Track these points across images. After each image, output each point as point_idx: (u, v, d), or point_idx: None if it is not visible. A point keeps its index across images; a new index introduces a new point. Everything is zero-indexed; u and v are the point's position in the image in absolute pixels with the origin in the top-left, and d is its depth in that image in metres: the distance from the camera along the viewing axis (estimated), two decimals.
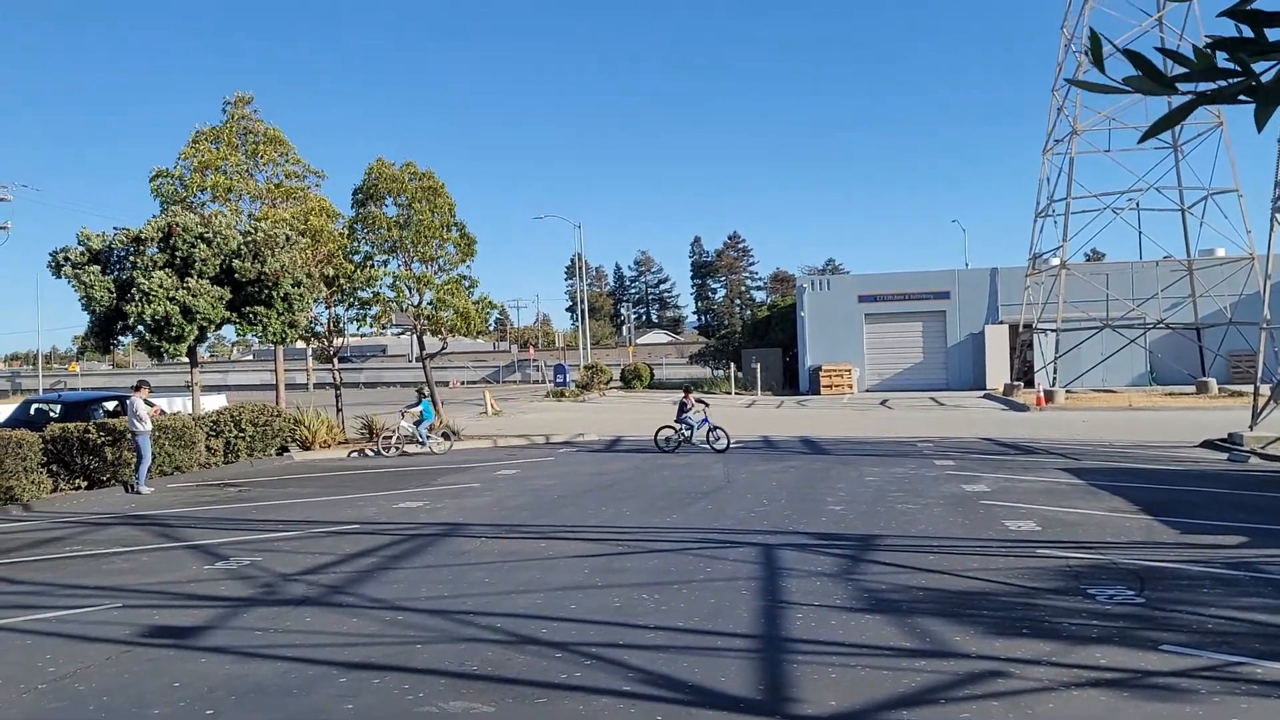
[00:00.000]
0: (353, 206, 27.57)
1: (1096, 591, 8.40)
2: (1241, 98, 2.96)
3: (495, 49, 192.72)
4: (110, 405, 21.28)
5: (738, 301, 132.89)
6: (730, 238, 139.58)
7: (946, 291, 48.56)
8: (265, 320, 20.39)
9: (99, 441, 17.23)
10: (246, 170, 27.52)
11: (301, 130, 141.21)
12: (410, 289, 27.42)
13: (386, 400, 29.78)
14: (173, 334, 18.99)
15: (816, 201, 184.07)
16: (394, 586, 9.26)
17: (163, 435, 18.27)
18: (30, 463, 15.79)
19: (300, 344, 30.11)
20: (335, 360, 27.83)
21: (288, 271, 20.35)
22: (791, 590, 8.74)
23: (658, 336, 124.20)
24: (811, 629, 7.52)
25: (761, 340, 54.45)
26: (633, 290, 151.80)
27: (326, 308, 27.02)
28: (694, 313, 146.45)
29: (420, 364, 30.27)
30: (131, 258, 19.60)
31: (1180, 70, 3.02)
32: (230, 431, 20.54)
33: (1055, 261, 39.76)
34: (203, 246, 19.39)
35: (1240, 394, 33.62)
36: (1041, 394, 34.72)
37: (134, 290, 18.77)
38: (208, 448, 19.86)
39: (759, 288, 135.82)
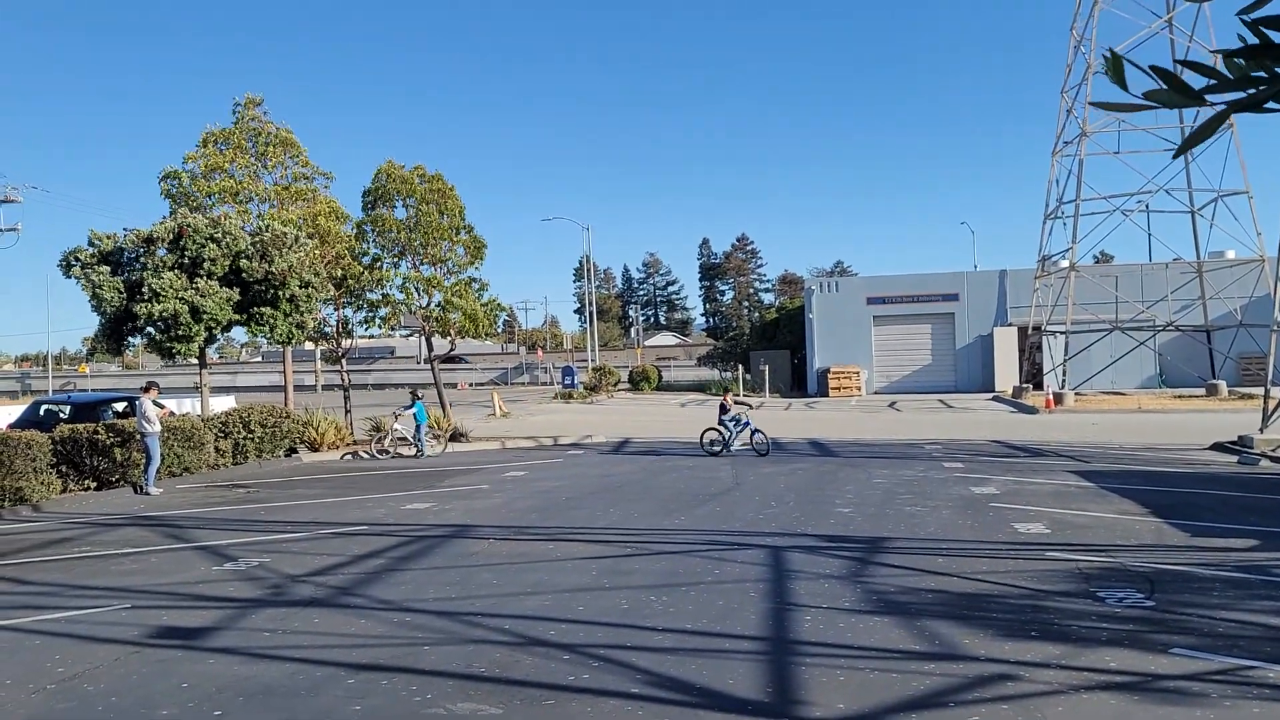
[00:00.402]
0: (362, 209, 27.61)
1: (1106, 594, 8.36)
2: (1270, 105, 2.94)
3: (503, 51, 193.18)
4: (120, 406, 21.34)
5: (746, 303, 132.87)
6: (739, 239, 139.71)
7: (955, 294, 48.49)
8: (272, 321, 20.41)
9: (108, 442, 17.28)
10: (255, 172, 27.57)
11: (310, 133, 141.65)
12: (419, 291, 27.45)
13: (395, 402, 29.84)
14: (181, 334, 19.04)
15: (825, 203, 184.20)
16: (402, 588, 9.26)
17: (172, 436, 18.31)
18: (40, 463, 15.83)
19: (309, 345, 30.18)
20: (343, 362, 27.86)
21: (295, 272, 20.38)
22: (800, 592, 8.72)
23: (666, 338, 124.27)
24: (820, 631, 7.50)
25: (770, 342, 54.43)
26: (641, 292, 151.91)
27: (335, 309, 27.06)
28: (702, 315, 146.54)
29: (429, 365, 30.28)
30: (142, 258, 19.66)
31: (1203, 80, 3.00)
32: (239, 433, 20.57)
33: (1064, 263, 39.66)
34: (212, 247, 19.44)
35: (1250, 397, 33.48)
36: (1050, 396, 34.64)
37: (144, 290, 18.83)
38: (216, 449, 19.91)
39: (767, 290, 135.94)
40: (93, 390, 59.24)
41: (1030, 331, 43.97)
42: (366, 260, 26.92)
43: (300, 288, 20.60)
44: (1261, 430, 20.87)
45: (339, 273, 25.73)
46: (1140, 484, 15.48)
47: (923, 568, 9.63)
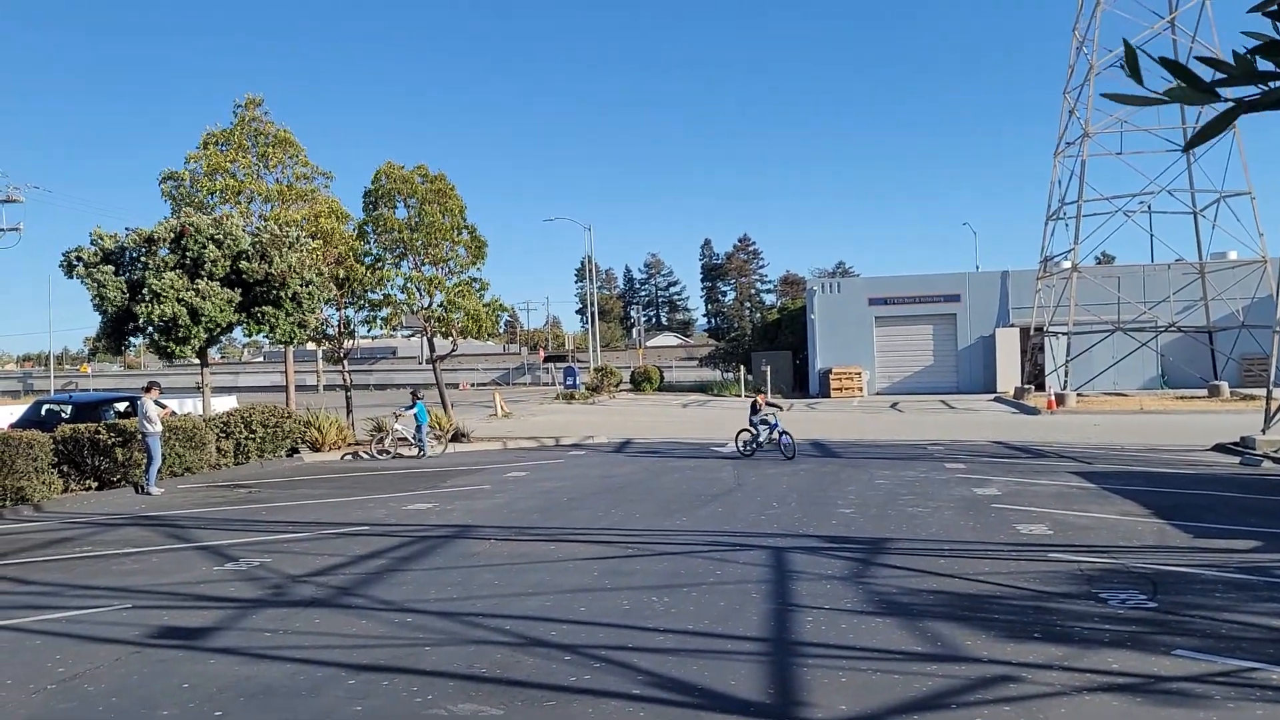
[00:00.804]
0: (364, 209, 27.61)
1: (1109, 596, 8.35)
2: None
3: (504, 51, 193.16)
4: (121, 406, 21.34)
5: (747, 304, 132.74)
6: (740, 240, 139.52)
7: (957, 294, 48.46)
8: (274, 321, 20.41)
9: (110, 442, 17.28)
10: (256, 172, 27.58)
11: (310, 133, 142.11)
12: (421, 291, 27.44)
13: (397, 402, 29.86)
14: (180, 335, 19.03)
15: (826, 204, 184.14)
16: (403, 588, 9.26)
17: (173, 436, 18.31)
18: (41, 463, 15.83)
19: (311, 346, 30.16)
20: (345, 362, 27.87)
21: (296, 272, 20.37)
22: (801, 593, 8.71)
23: (667, 339, 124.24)
24: (822, 632, 7.49)
25: (771, 343, 54.40)
26: (642, 293, 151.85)
27: (337, 309, 27.07)
28: (704, 315, 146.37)
29: (430, 366, 30.27)
30: (143, 258, 19.65)
31: (1217, 76, 2.97)
32: (241, 433, 20.57)
33: (1066, 264, 39.64)
34: (213, 247, 19.44)
35: (1252, 398, 33.46)
36: (1052, 397, 34.61)
37: (144, 291, 18.83)
38: (218, 449, 19.91)
39: (769, 290, 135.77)
40: (94, 390, 59.29)
41: (1032, 332, 43.95)
42: (368, 260, 26.92)
43: (302, 287, 20.59)
44: (1263, 431, 20.85)
45: (341, 273, 25.73)
46: (1142, 485, 15.46)
47: (925, 569, 9.62)
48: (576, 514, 13.68)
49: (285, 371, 33.05)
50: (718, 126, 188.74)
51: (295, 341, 22.70)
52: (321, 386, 68.66)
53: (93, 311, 20.18)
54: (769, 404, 21.44)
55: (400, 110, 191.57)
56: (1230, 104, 3.00)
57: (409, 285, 27.41)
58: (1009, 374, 45.25)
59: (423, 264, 27.66)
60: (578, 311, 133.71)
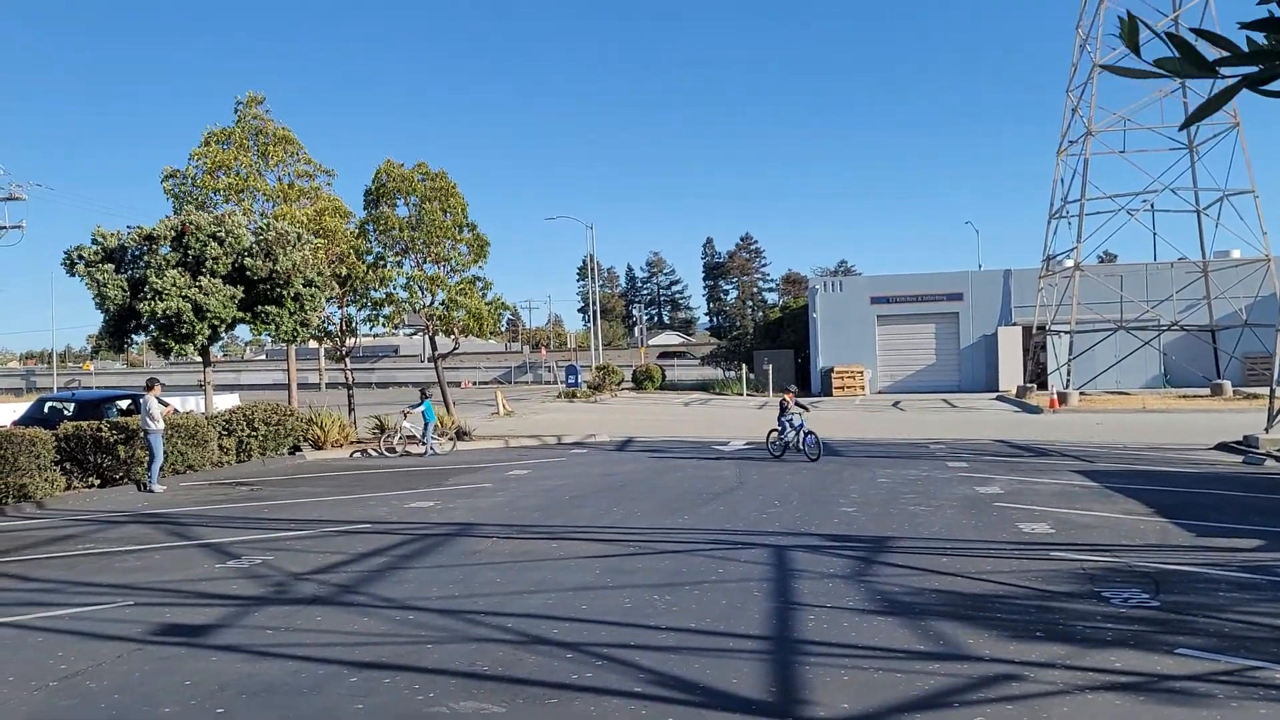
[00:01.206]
0: (365, 207, 27.62)
1: (1111, 594, 8.33)
2: None
3: (505, 51, 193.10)
4: (124, 404, 21.36)
5: (750, 303, 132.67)
6: (742, 239, 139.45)
7: (960, 293, 48.41)
8: (277, 319, 20.42)
9: (112, 440, 17.29)
10: (258, 170, 27.60)
11: (310, 132, 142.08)
12: (423, 290, 27.45)
13: (399, 400, 29.87)
14: (184, 333, 19.04)
15: (829, 203, 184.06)
16: (405, 586, 9.25)
17: (175, 434, 18.32)
18: (44, 461, 15.86)
19: (313, 344, 30.17)
20: (347, 360, 27.88)
21: (299, 270, 20.38)
22: (803, 592, 8.70)
23: (669, 338, 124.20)
24: (823, 631, 7.48)
25: (773, 342, 54.38)
26: (644, 291, 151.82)
27: (339, 308, 27.08)
28: (706, 314, 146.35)
29: (432, 364, 30.27)
30: (145, 256, 19.66)
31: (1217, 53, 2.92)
32: (243, 430, 20.58)
33: (1069, 263, 39.58)
34: (215, 245, 19.45)
35: (1255, 396, 33.43)
36: (1055, 396, 34.58)
37: (146, 288, 18.83)
38: (220, 446, 19.91)
39: (771, 289, 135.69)
40: (97, 388, 59.34)
41: (1035, 331, 43.90)
42: (370, 259, 26.92)
43: (304, 286, 20.59)
44: (1266, 430, 20.81)
45: (343, 271, 25.74)
46: (1145, 484, 15.44)
47: (927, 567, 9.61)
48: (578, 512, 13.67)
49: (288, 369, 33.08)
50: (718, 126, 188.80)
51: (298, 340, 22.70)
52: (324, 384, 68.68)
53: (95, 309, 20.21)
54: (797, 403, 20.58)
55: (400, 110, 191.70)
56: (1232, 80, 2.95)
57: (411, 284, 27.42)
58: (1011, 373, 45.20)
59: (424, 262, 27.67)
60: (580, 310, 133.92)
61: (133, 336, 20.75)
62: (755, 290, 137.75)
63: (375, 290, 27.01)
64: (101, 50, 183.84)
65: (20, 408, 26.19)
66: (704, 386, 55.87)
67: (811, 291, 51.95)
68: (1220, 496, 14.26)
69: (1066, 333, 39.30)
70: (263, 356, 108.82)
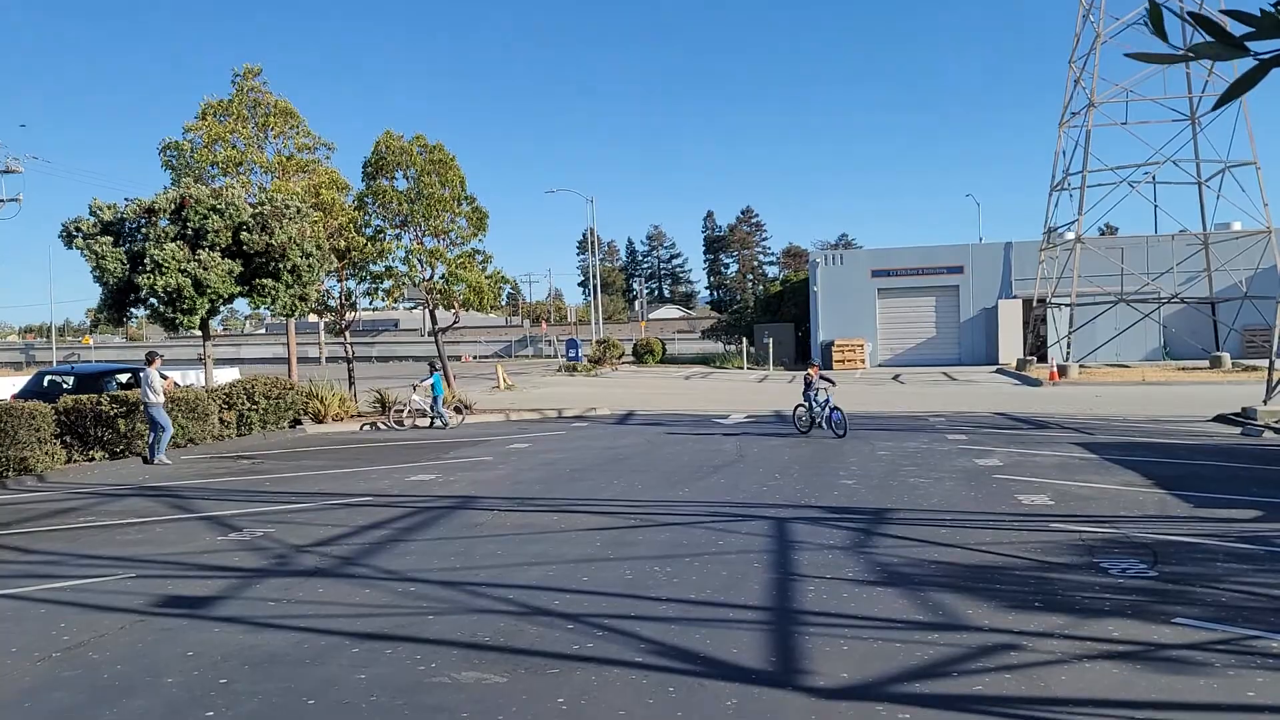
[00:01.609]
0: (363, 180, 27.48)
1: (1110, 565, 8.36)
2: None
3: (506, 25, 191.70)
4: (123, 378, 21.34)
5: (750, 276, 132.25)
6: (743, 212, 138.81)
7: (960, 266, 48.34)
8: (274, 293, 20.36)
9: (112, 413, 17.30)
10: (257, 143, 27.45)
11: (309, 104, 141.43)
12: (422, 263, 27.37)
13: (399, 374, 29.87)
14: (185, 306, 19.02)
15: (830, 177, 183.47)
16: (406, 558, 9.29)
17: (176, 408, 18.32)
18: (44, 434, 15.88)
19: (313, 318, 30.13)
20: (347, 334, 27.84)
21: (296, 243, 20.29)
22: (803, 563, 8.73)
23: (670, 311, 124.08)
24: (823, 601, 7.51)
25: (774, 315, 54.35)
26: (645, 265, 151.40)
27: (338, 281, 27.01)
28: (706, 288, 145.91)
29: (433, 338, 30.26)
30: (144, 229, 19.58)
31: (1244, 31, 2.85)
32: (243, 404, 20.58)
33: (1070, 236, 39.49)
34: (215, 218, 19.37)
35: (1254, 368, 33.45)
36: (1055, 369, 34.58)
37: (146, 261, 18.77)
38: (221, 420, 19.93)
39: (772, 263, 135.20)
40: (96, 362, 59.35)
41: (1035, 304, 43.86)
42: (369, 232, 26.83)
43: (302, 259, 20.51)
44: (1265, 402, 20.83)
45: (342, 244, 25.65)
46: (1144, 456, 15.47)
47: (926, 539, 9.64)
48: (579, 485, 13.70)
49: (287, 344, 33.08)
50: (721, 99, 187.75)
51: (296, 314, 22.66)
52: (324, 359, 68.70)
53: (94, 283, 20.16)
54: (822, 376, 19.82)
55: (399, 84, 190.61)
56: (1261, 59, 2.86)
57: (410, 257, 27.35)
58: (1011, 346, 45.22)
59: (424, 236, 27.58)
60: (580, 284, 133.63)
61: (132, 310, 20.70)
62: (756, 264, 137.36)
63: (374, 264, 26.94)
64: (99, 21, 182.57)
65: (19, 381, 26.19)
66: (704, 360, 55.90)
67: (812, 265, 51.86)
68: (1219, 468, 14.30)
69: (1067, 305, 39.26)
70: (262, 331, 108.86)
